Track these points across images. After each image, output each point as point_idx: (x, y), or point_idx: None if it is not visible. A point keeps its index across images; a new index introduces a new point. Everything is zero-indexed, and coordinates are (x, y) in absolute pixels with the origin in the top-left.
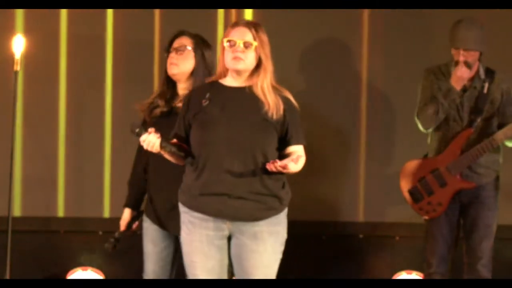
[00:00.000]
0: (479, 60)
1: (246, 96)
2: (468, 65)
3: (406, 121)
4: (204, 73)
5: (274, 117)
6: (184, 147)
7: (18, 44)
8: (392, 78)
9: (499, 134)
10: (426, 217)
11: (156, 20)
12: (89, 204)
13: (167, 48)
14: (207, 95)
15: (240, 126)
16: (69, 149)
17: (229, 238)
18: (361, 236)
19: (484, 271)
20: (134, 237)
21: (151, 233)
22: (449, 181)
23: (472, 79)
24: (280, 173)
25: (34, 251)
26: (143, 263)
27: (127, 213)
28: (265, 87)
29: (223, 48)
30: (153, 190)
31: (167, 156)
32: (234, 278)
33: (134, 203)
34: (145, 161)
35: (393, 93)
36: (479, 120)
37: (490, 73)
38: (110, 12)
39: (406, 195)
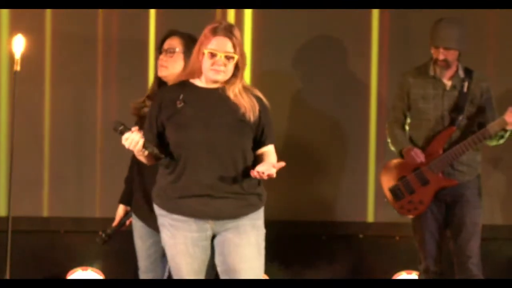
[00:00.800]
0: (458, 59)
1: (220, 97)
2: (447, 63)
3: None
4: None
5: (252, 118)
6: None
7: (18, 44)
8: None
9: (494, 125)
10: (409, 216)
11: (151, 20)
12: (89, 204)
13: (159, 48)
14: (181, 96)
15: (217, 128)
16: (69, 149)
17: (212, 238)
18: (361, 236)
19: (475, 269)
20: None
21: (139, 229)
22: (431, 179)
23: (451, 79)
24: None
25: (34, 251)
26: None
27: (120, 209)
28: (236, 91)
29: (200, 51)
30: (137, 189)
31: (142, 157)
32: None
33: (128, 199)
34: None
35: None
36: (460, 118)
37: (468, 72)
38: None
39: (387, 193)
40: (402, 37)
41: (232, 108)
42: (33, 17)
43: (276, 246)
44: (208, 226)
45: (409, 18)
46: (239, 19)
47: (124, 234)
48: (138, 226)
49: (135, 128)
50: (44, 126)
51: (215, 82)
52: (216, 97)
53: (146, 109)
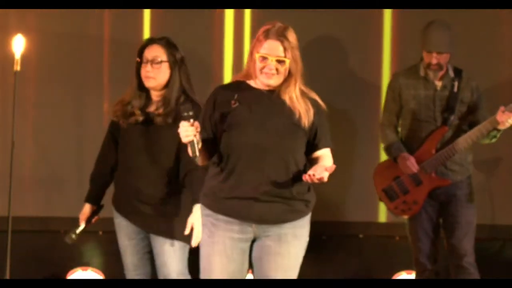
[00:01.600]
0: (449, 60)
1: (275, 99)
2: (440, 66)
3: None
4: (180, 76)
5: (305, 123)
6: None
7: (18, 44)
8: None
9: (486, 125)
10: (404, 216)
11: (146, 20)
12: None
13: (139, 56)
14: (236, 96)
15: (270, 131)
16: (69, 148)
17: (252, 242)
18: (361, 236)
19: (471, 268)
20: None
21: (124, 228)
22: (425, 179)
23: (442, 79)
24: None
25: (34, 251)
26: (123, 259)
27: (87, 208)
28: (293, 95)
29: (252, 54)
30: (122, 186)
31: (191, 150)
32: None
33: (95, 198)
34: (113, 159)
35: None
36: (452, 118)
37: (458, 72)
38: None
39: (381, 193)
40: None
41: (287, 111)
42: (33, 17)
43: None
44: (250, 229)
45: (420, 18)
46: (239, 19)
47: None
48: (123, 225)
49: (196, 124)
50: (44, 126)
51: (268, 85)
52: (271, 99)
53: (133, 118)
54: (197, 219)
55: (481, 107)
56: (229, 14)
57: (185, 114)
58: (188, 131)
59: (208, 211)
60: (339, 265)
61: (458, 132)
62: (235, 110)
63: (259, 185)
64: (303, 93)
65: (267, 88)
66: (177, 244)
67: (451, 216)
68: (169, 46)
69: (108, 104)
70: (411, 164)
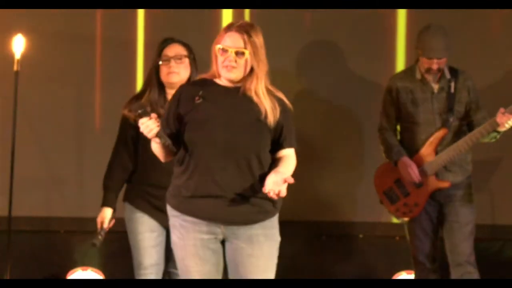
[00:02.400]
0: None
1: (240, 96)
2: (439, 70)
3: None
4: (196, 74)
5: (270, 120)
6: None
7: (18, 44)
8: None
9: (486, 126)
10: (405, 219)
11: (140, 20)
12: (89, 204)
13: (159, 56)
14: (200, 93)
15: (235, 128)
16: (69, 149)
17: (223, 242)
18: (361, 236)
19: (471, 268)
20: None
21: (147, 223)
22: (425, 181)
23: (439, 81)
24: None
25: (34, 251)
26: (138, 258)
27: (109, 212)
28: (259, 92)
29: (215, 52)
30: (146, 184)
31: (156, 148)
32: None
33: (114, 202)
34: (132, 162)
35: None
36: (451, 119)
37: (454, 72)
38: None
39: (382, 196)
40: None
41: (252, 108)
42: (33, 17)
43: None
44: (219, 230)
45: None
46: (234, 22)
47: (125, 234)
48: (145, 221)
49: (154, 115)
50: (45, 126)
51: (230, 80)
52: (236, 96)
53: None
54: None
55: (479, 106)
56: (226, 14)
57: (140, 111)
58: (150, 125)
59: (176, 212)
60: (339, 265)
61: (458, 133)
62: (199, 106)
63: (224, 183)
64: (269, 91)
65: (232, 85)
66: None
67: (451, 216)
68: (186, 45)
69: (106, 103)
70: (414, 174)
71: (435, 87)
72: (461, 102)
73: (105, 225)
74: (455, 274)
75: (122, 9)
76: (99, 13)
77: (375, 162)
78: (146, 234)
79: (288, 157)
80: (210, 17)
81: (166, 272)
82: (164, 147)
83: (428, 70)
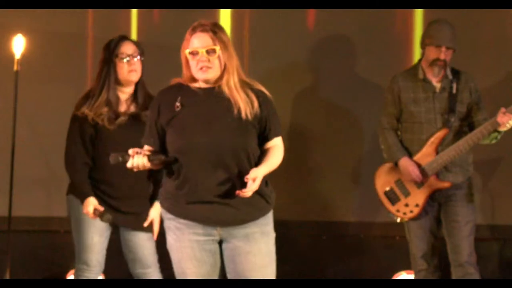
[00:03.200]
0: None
1: (217, 96)
2: (445, 63)
3: None
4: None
5: (249, 115)
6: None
7: (18, 44)
8: None
9: (487, 126)
10: (405, 219)
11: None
12: None
13: (114, 53)
14: (178, 99)
15: (218, 131)
16: None
17: (220, 242)
18: (361, 236)
19: (471, 269)
20: None
21: (98, 225)
22: (426, 181)
23: (441, 81)
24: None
25: (34, 251)
26: (81, 254)
27: (94, 200)
28: (232, 85)
29: (186, 57)
30: (104, 185)
31: (154, 167)
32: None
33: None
34: (87, 159)
35: None
36: (453, 120)
37: (456, 73)
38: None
39: (382, 197)
40: None
41: (230, 106)
42: (33, 17)
43: (276, 246)
44: (215, 232)
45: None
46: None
47: None
48: (98, 223)
49: (132, 151)
50: (45, 126)
51: (207, 81)
52: (213, 96)
53: (123, 119)
54: (158, 214)
55: (480, 107)
56: (224, 14)
57: (120, 160)
58: (137, 162)
59: (170, 215)
60: (339, 265)
61: (459, 133)
62: (179, 114)
63: (215, 188)
64: (244, 84)
65: (206, 86)
66: (151, 236)
67: (451, 216)
68: (139, 44)
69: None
70: (415, 174)
71: (437, 86)
72: (463, 103)
73: (101, 208)
74: (455, 275)
75: (121, 10)
76: (98, 13)
77: (375, 162)
78: (96, 238)
79: (274, 147)
80: (204, 17)
81: (134, 273)
82: (162, 163)
83: (435, 62)
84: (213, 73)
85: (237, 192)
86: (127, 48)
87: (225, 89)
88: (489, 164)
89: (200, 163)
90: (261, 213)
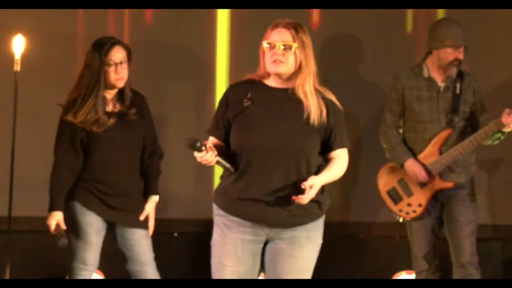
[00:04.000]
0: None
1: (289, 98)
2: (460, 62)
3: None
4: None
5: (316, 121)
6: (226, 151)
7: (18, 44)
8: None
9: (491, 126)
10: (408, 219)
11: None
12: None
13: (104, 58)
14: (249, 95)
15: (282, 132)
16: None
17: (265, 243)
18: (361, 236)
19: (473, 270)
20: None
21: (96, 225)
22: (429, 182)
23: (445, 80)
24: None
25: (34, 251)
26: (79, 253)
27: (61, 215)
28: (307, 90)
29: (263, 49)
30: (86, 185)
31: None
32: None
33: (63, 206)
34: (80, 164)
35: None
36: (456, 119)
37: (459, 73)
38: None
39: (385, 196)
40: None
41: (300, 110)
42: (33, 17)
43: None
44: (262, 232)
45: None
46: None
47: None
48: (95, 222)
49: (208, 147)
50: (45, 126)
51: (279, 76)
52: (284, 97)
53: (112, 121)
54: (153, 208)
55: (483, 108)
56: (221, 14)
57: (197, 146)
58: (208, 159)
59: (221, 211)
60: (339, 265)
61: (463, 133)
62: (248, 110)
63: (270, 188)
64: (317, 92)
65: (280, 86)
66: (147, 233)
67: (453, 216)
68: (127, 47)
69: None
70: (421, 175)
71: (441, 85)
72: (467, 103)
73: (64, 226)
74: (457, 275)
75: (122, 9)
76: (98, 13)
77: (376, 161)
78: (93, 237)
79: (337, 158)
80: (201, 16)
81: (131, 271)
82: (223, 168)
83: (452, 63)
84: (285, 69)
85: (293, 197)
86: (117, 56)
87: (299, 91)
88: (491, 164)
89: (259, 161)
90: (311, 218)
